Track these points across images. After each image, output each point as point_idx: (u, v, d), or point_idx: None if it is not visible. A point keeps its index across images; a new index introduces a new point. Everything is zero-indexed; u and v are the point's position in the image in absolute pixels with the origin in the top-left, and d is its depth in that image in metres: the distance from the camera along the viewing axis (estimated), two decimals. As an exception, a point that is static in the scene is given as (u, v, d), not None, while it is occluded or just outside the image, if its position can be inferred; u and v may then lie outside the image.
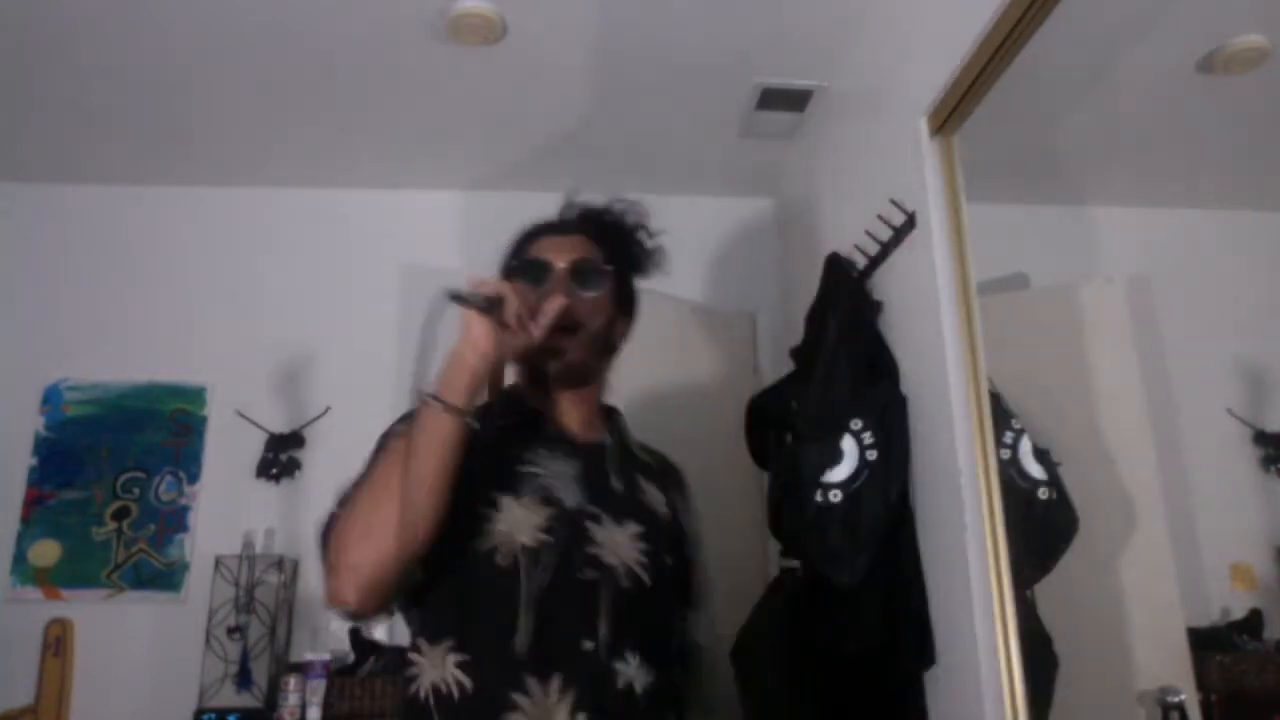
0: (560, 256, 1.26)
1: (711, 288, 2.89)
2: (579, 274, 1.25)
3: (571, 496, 1.18)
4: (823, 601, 1.76)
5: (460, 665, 1.10)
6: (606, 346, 1.31)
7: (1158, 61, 1.64)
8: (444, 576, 1.13)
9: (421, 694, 1.11)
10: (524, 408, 1.28)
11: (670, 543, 1.26)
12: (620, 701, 1.10)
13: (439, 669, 1.11)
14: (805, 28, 2.18)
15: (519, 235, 1.35)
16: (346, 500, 1.12)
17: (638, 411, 1.47)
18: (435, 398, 1.08)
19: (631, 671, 1.12)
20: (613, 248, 1.32)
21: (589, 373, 1.28)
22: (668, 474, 1.37)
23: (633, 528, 1.20)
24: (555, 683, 1.08)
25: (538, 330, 1.15)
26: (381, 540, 1.04)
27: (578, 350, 1.24)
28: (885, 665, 1.72)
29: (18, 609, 2.57)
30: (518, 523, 1.14)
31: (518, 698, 1.07)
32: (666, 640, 1.24)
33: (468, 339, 1.12)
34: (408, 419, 1.14)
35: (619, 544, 1.17)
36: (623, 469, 1.27)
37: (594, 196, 1.39)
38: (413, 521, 1.04)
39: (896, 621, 1.70)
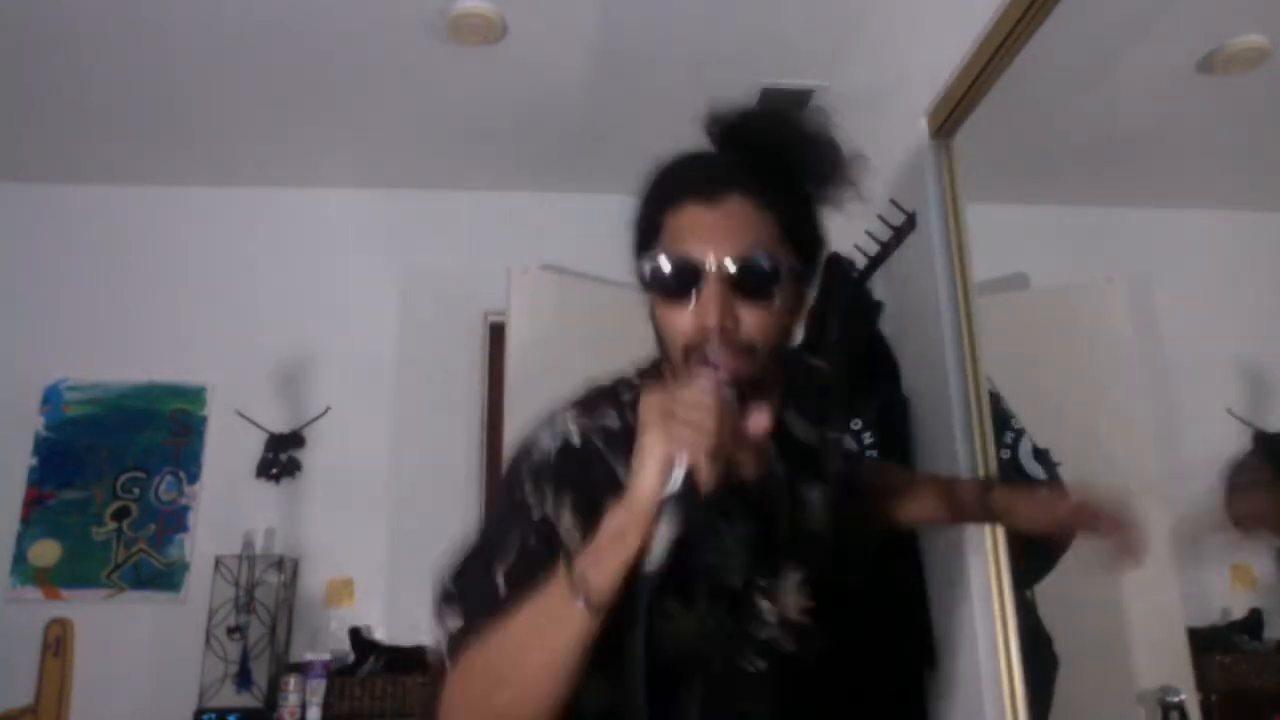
0: (711, 246, 0.85)
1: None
2: (745, 280, 0.85)
3: (739, 571, 0.91)
4: (823, 602, 1.76)
5: None
6: (787, 343, 0.96)
7: (1158, 61, 1.64)
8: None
9: None
10: None
11: (832, 546, 1.01)
12: None
13: None
14: (805, 28, 2.18)
15: (650, 191, 0.94)
16: (472, 634, 0.83)
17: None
18: (580, 583, 0.76)
19: None
20: (786, 193, 0.91)
21: (769, 392, 0.90)
22: (830, 420, 1.08)
23: (796, 575, 0.96)
24: None
25: (744, 445, 0.80)
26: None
27: (755, 382, 0.85)
28: (886, 665, 1.72)
29: (18, 609, 2.57)
30: (685, 627, 0.87)
31: None
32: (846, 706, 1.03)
33: (633, 504, 0.76)
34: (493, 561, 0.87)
35: (783, 604, 0.94)
36: (791, 494, 0.98)
37: (746, 100, 0.96)
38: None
39: (896, 621, 1.70)
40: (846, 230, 2.16)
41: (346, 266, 2.93)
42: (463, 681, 0.82)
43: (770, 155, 0.90)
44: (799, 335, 1.10)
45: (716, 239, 0.85)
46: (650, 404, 0.78)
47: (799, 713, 0.95)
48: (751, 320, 0.86)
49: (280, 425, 2.74)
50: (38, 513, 2.66)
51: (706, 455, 0.74)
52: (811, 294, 1.02)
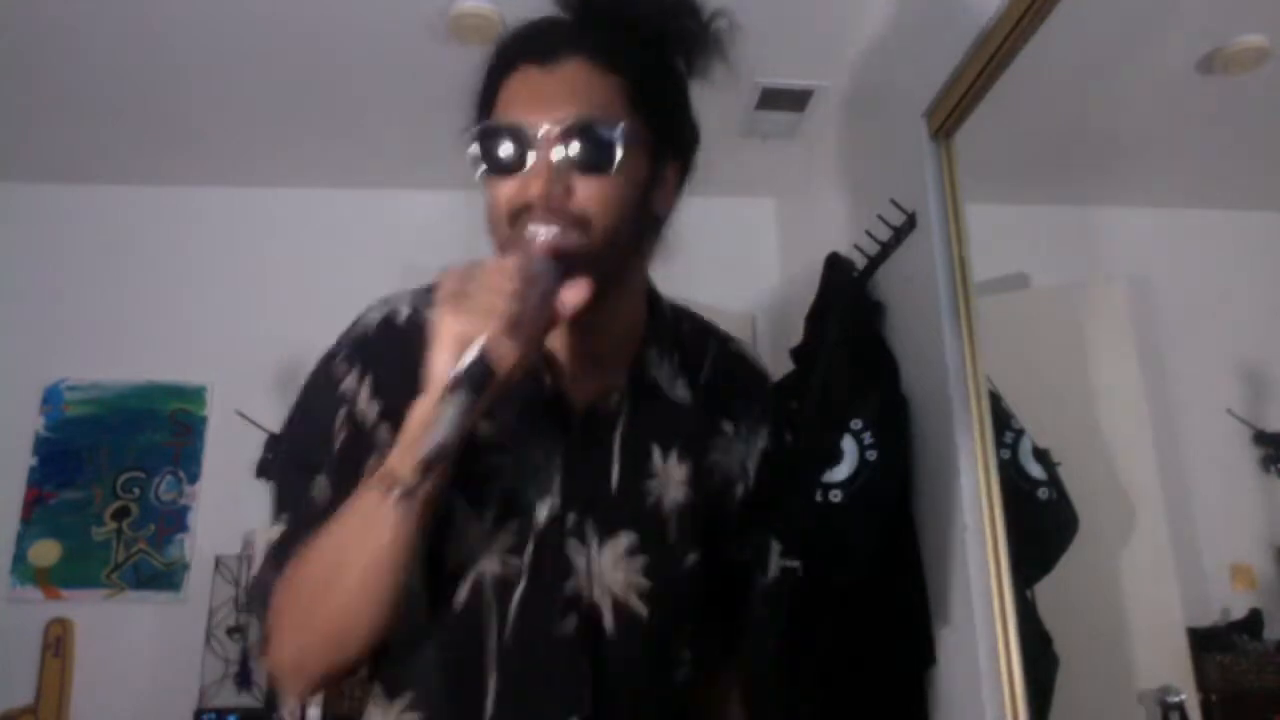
0: (542, 110, 0.78)
1: (711, 288, 2.88)
2: (580, 146, 0.77)
3: (547, 502, 0.82)
4: (823, 602, 1.76)
5: None
6: (640, 226, 0.84)
7: (1158, 61, 1.64)
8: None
9: None
10: None
11: (697, 527, 0.88)
12: None
13: None
14: (805, 28, 2.18)
15: (487, 65, 0.89)
16: (290, 543, 0.80)
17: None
18: (382, 476, 0.72)
19: None
20: (635, 56, 0.82)
21: (607, 282, 0.78)
22: (725, 398, 0.94)
23: (625, 540, 0.84)
24: None
25: (541, 329, 0.73)
26: (330, 642, 0.78)
27: (584, 262, 0.75)
28: (885, 665, 1.72)
29: (18, 609, 2.57)
30: (476, 543, 0.81)
31: None
32: (670, 676, 0.89)
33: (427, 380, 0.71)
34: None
35: (605, 570, 0.83)
36: (633, 443, 0.87)
37: None
38: (359, 632, 0.76)
39: (896, 621, 1.71)
40: (847, 230, 2.16)
41: (346, 266, 2.93)
42: (290, 594, 0.78)
43: (616, 14, 0.83)
44: (677, 201, 0.91)
45: (549, 103, 0.78)
46: (447, 277, 0.71)
47: (610, 694, 0.81)
48: (586, 191, 0.77)
49: (280, 425, 2.74)
50: (38, 513, 2.66)
51: (503, 330, 0.67)
52: (680, 178, 0.90)
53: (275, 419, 2.74)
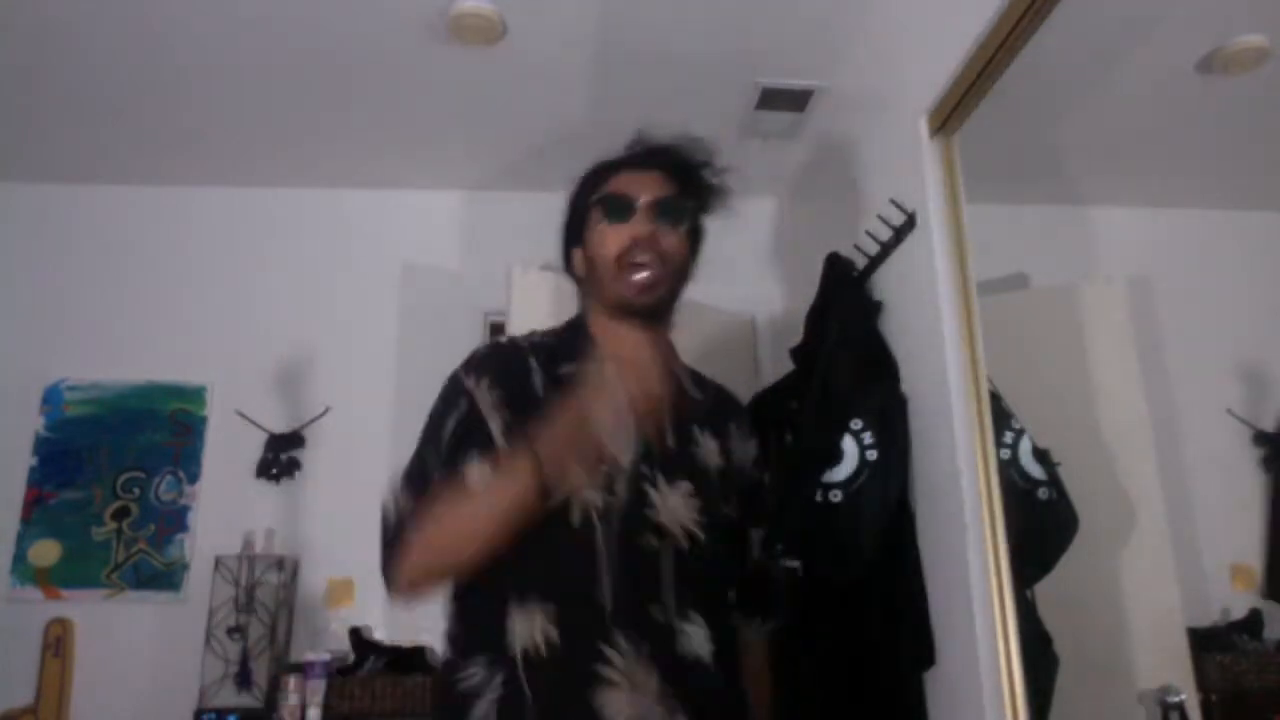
0: (642, 191, 1.27)
1: (711, 288, 2.87)
2: (663, 209, 1.26)
3: (626, 453, 1.14)
4: (823, 602, 1.76)
5: (550, 619, 1.11)
6: (683, 283, 1.32)
7: (1158, 61, 1.64)
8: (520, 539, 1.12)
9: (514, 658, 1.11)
10: (588, 348, 1.27)
11: (725, 492, 1.26)
12: (695, 669, 1.13)
13: (529, 627, 1.11)
14: (805, 28, 2.18)
15: (593, 170, 1.35)
16: (420, 485, 1.16)
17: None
18: (528, 455, 1.09)
19: (697, 639, 1.15)
20: (687, 183, 1.33)
21: (669, 310, 1.30)
22: (722, 408, 1.37)
23: (684, 486, 1.20)
24: (645, 647, 1.10)
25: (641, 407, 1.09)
26: (444, 565, 1.14)
27: (665, 284, 1.25)
28: (885, 665, 1.72)
29: (18, 609, 2.57)
30: (582, 479, 1.14)
31: (610, 652, 1.09)
32: (723, 596, 1.27)
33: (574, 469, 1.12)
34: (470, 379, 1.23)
35: (674, 507, 1.18)
36: (680, 420, 1.25)
37: (660, 134, 1.38)
38: (471, 561, 1.12)
39: (896, 621, 1.70)
40: (847, 230, 2.16)
41: (346, 266, 2.93)
42: (427, 535, 1.11)
43: (675, 158, 1.34)
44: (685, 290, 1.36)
45: (647, 187, 1.28)
46: (594, 394, 1.09)
47: (683, 595, 1.16)
48: (667, 240, 1.26)
49: (280, 425, 2.75)
50: (38, 513, 2.66)
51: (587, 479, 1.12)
52: (694, 267, 1.36)
53: (275, 419, 2.75)
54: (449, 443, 1.18)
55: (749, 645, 1.34)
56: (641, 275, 1.24)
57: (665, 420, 1.21)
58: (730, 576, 1.31)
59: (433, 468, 1.17)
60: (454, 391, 1.23)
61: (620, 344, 1.23)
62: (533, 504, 1.07)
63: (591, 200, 1.30)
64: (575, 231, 1.33)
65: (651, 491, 1.18)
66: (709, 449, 1.27)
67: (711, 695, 1.14)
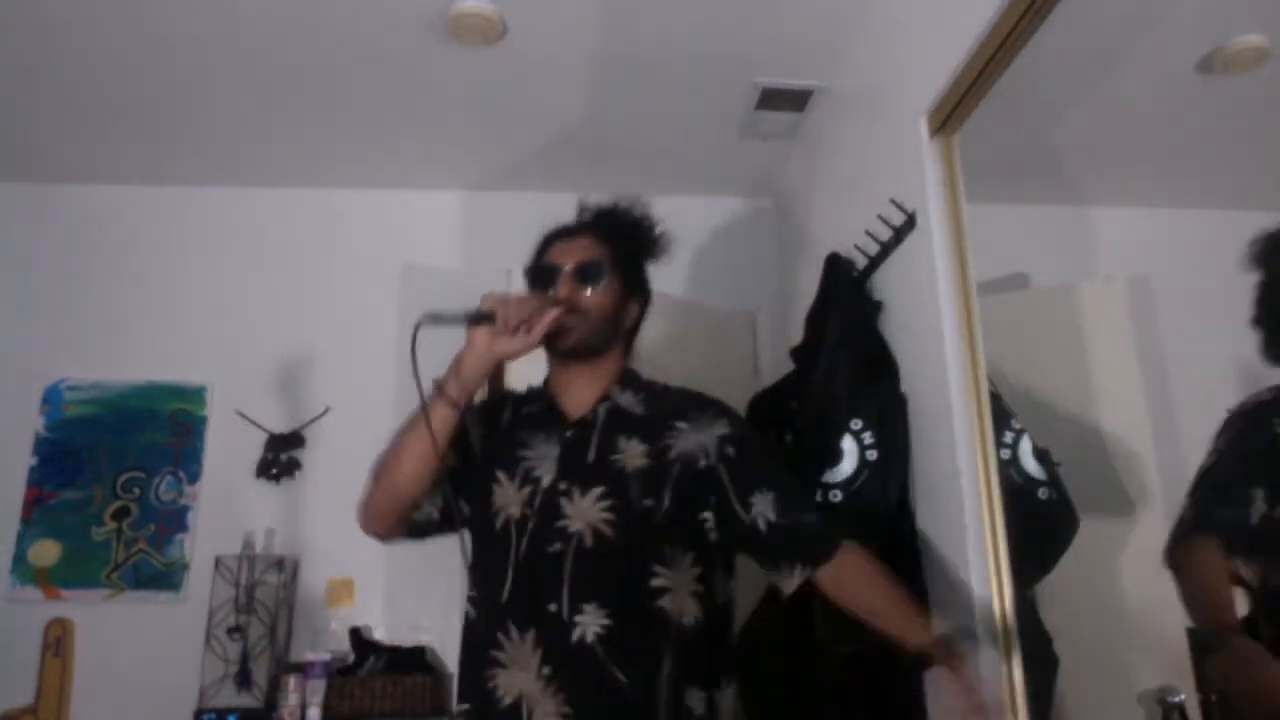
0: (568, 259, 1.49)
1: (711, 288, 2.89)
2: (582, 273, 1.48)
3: (548, 474, 1.41)
4: (823, 602, 1.76)
5: (472, 602, 1.43)
6: (615, 326, 1.52)
7: (1158, 61, 1.64)
8: (472, 531, 1.46)
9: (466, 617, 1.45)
10: (541, 394, 1.55)
11: (653, 484, 1.39)
12: (578, 653, 1.31)
13: (469, 611, 1.44)
14: (805, 28, 2.18)
15: (538, 243, 1.57)
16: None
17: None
18: (438, 388, 1.39)
19: (587, 622, 1.32)
20: (618, 242, 1.53)
21: (594, 349, 1.48)
22: (677, 412, 1.49)
23: (597, 491, 1.38)
24: (530, 635, 1.33)
25: (534, 335, 1.39)
26: (386, 487, 1.44)
27: (581, 331, 1.45)
28: (885, 665, 1.72)
29: (18, 609, 2.57)
30: (509, 497, 1.42)
31: (502, 639, 1.35)
32: (644, 579, 1.37)
33: (469, 344, 1.41)
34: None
35: (584, 510, 1.37)
36: (605, 436, 1.44)
37: (601, 198, 1.59)
38: (397, 483, 1.43)
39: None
40: (847, 230, 2.16)
41: (346, 266, 2.93)
42: (377, 463, 1.46)
43: (608, 221, 1.56)
44: (641, 319, 1.59)
45: (570, 253, 1.50)
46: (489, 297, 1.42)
47: (581, 589, 1.34)
48: (586, 298, 1.47)
49: (280, 425, 2.75)
50: (38, 513, 2.66)
51: (507, 309, 1.38)
52: (640, 311, 1.57)
53: (275, 419, 2.75)
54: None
55: (819, 578, 1.41)
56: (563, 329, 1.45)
57: (589, 438, 1.44)
58: (654, 556, 1.39)
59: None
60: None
61: (562, 378, 1.52)
62: (442, 410, 1.38)
63: (529, 270, 1.55)
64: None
65: (565, 503, 1.38)
66: (632, 453, 1.42)
67: (590, 675, 1.30)
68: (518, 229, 2.98)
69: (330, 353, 2.82)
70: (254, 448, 2.72)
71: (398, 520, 1.47)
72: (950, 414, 1.62)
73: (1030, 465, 1.61)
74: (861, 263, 2.02)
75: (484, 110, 2.54)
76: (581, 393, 1.49)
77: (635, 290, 1.56)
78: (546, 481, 1.41)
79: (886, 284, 1.97)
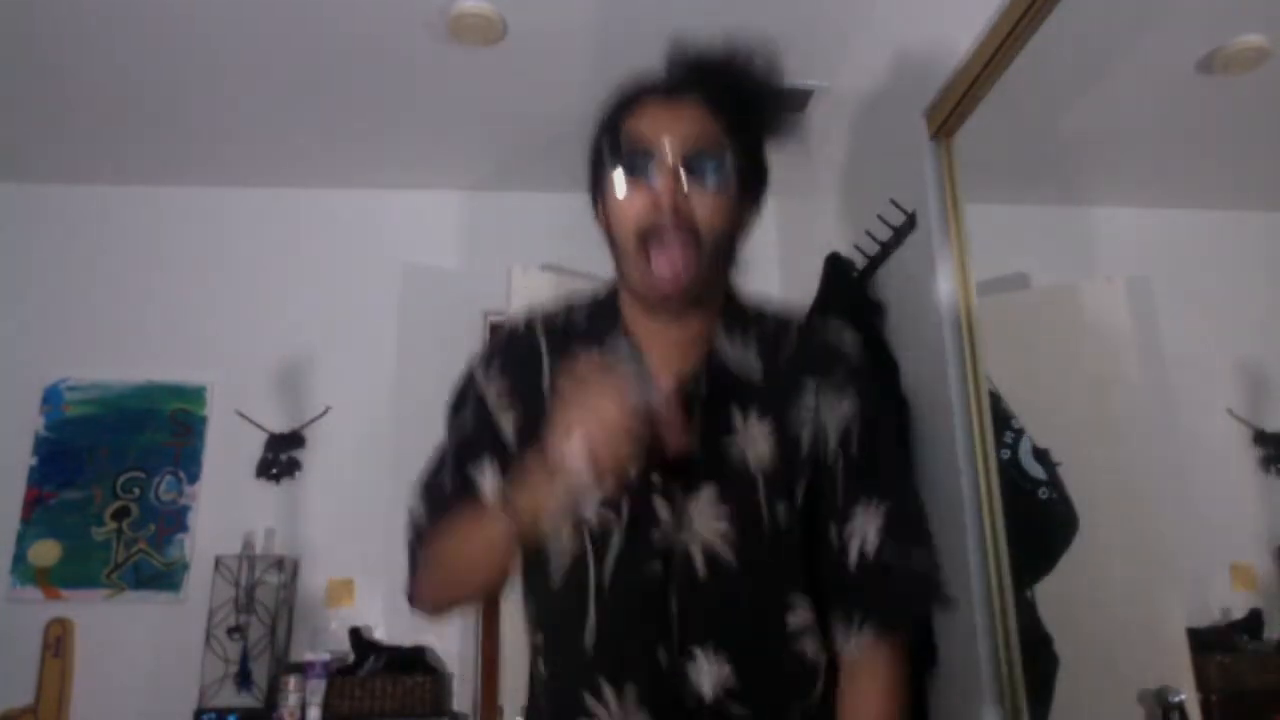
0: (668, 136, 0.96)
1: (711, 288, 2.89)
2: (695, 164, 0.96)
3: (634, 464, 0.92)
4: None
5: (540, 654, 1.04)
6: (730, 250, 1.04)
7: (1158, 61, 1.64)
8: (526, 554, 1.02)
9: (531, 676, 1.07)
10: (610, 334, 1.05)
11: (785, 480, 1.00)
12: (691, 715, 0.95)
13: (532, 654, 1.06)
14: (805, 28, 2.18)
15: (615, 100, 1.05)
16: (430, 512, 1.08)
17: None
18: (525, 520, 0.92)
19: (706, 679, 0.95)
20: (738, 113, 1.02)
21: (703, 297, 1.01)
22: (802, 365, 1.06)
23: (709, 493, 0.98)
24: (630, 692, 0.95)
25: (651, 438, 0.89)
26: (457, 594, 1.11)
27: (696, 269, 0.96)
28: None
29: (18, 609, 2.57)
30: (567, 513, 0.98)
31: (590, 701, 0.96)
32: (779, 616, 1.00)
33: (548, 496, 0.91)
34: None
35: (692, 518, 0.97)
36: (714, 409, 1.01)
37: (710, 35, 1.09)
38: (473, 589, 1.10)
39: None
40: (847, 230, 2.16)
41: (346, 266, 2.93)
42: (434, 561, 1.05)
43: (722, 72, 1.04)
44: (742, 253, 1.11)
45: (672, 129, 0.97)
46: (582, 383, 0.88)
47: (694, 629, 0.96)
48: (702, 205, 0.96)
49: (280, 425, 2.75)
50: (38, 513, 2.66)
51: (606, 475, 0.85)
52: (757, 213, 1.10)
53: (275, 419, 2.75)
54: (459, 448, 1.08)
55: (851, 665, 1.01)
56: (664, 264, 0.96)
57: (690, 416, 0.99)
58: (793, 583, 1.02)
59: (445, 475, 1.08)
60: (464, 387, 1.11)
61: (647, 326, 1.03)
62: (530, 535, 0.94)
63: (603, 145, 1.03)
64: (597, 180, 1.06)
65: (661, 506, 0.97)
66: (754, 435, 0.99)
67: None
68: (518, 229, 3.00)
69: (330, 353, 2.83)
70: (254, 448, 2.72)
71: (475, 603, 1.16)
72: (950, 414, 1.62)
73: (1030, 465, 1.61)
74: (861, 263, 2.03)
75: (484, 110, 2.54)
76: (676, 344, 1.03)
77: (757, 183, 1.08)
78: (633, 473, 0.94)
79: (886, 284, 1.97)
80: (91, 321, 2.83)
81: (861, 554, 1.01)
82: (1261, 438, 1.62)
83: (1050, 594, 1.57)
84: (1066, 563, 1.59)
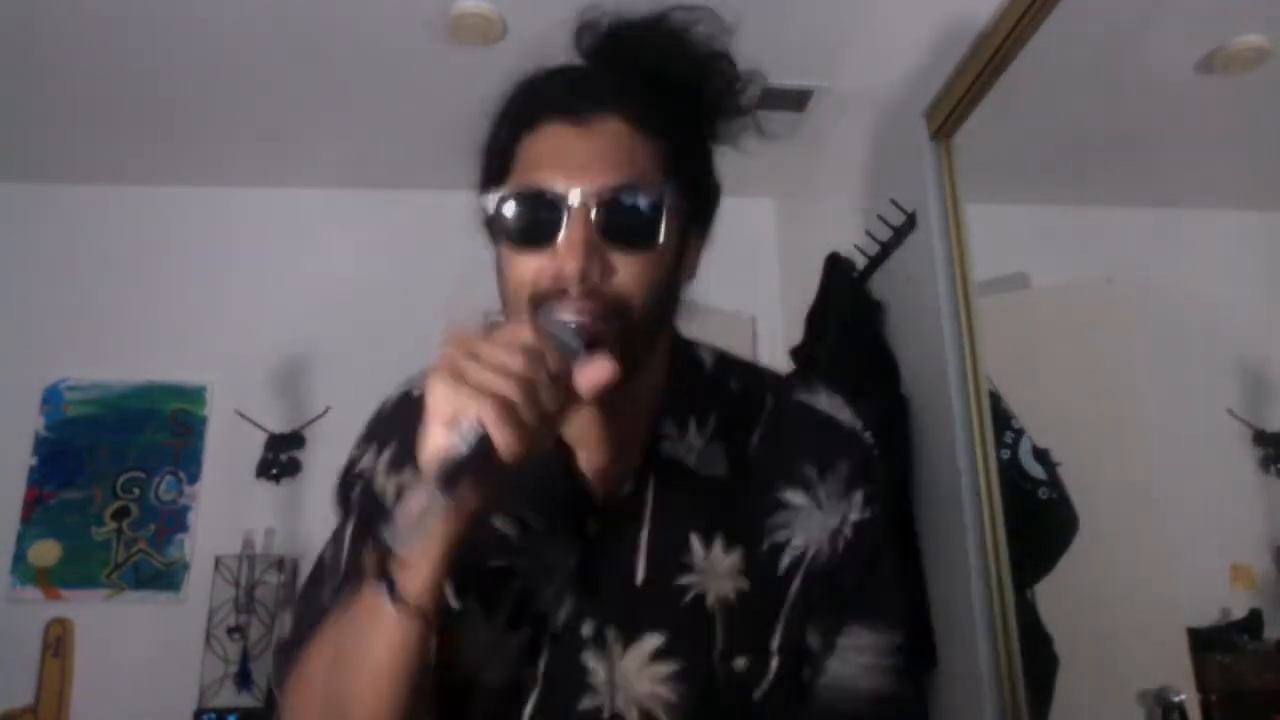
0: (575, 176, 0.69)
1: (711, 288, 2.88)
2: (615, 211, 0.68)
3: (562, 607, 0.75)
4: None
5: None
6: (674, 301, 0.78)
7: (1158, 61, 1.64)
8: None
9: None
10: None
11: (754, 625, 0.76)
12: None
13: None
14: (805, 28, 2.18)
15: (503, 116, 0.80)
16: (297, 646, 0.79)
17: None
18: (390, 589, 0.65)
19: None
20: (674, 118, 0.74)
21: (637, 365, 0.71)
22: (785, 465, 0.80)
23: (652, 642, 0.74)
24: None
25: (569, 403, 0.65)
26: None
27: (615, 348, 0.67)
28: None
29: (18, 609, 2.57)
30: (487, 649, 0.75)
31: None
32: None
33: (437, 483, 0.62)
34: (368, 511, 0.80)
35: (631, 676, 0.74)
36: (661, 531, 0.76)
37: (634, 5, 0.78)
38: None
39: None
40: (847, 230, 2.16)
41: (346, 266, 2.93)
42: (304, 693, 0.76)
43: (654, 71, 0.74)
44: (689, 316, 0.84)
45: (584, 168, 0.69)
46: (451, 340, 0.62)
47: None
48: (626, 271, 0.69)
49: (280, 425, 2.74)
50: (38, 513, 2.66)
51: (499, 416, 0.58)
52: (702, 249, 0.83)
53: (275, 419, 2.75)
54: (345, 562, 0.81)
55: None
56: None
57: (635, 540, 0.76)
58: None
59: (328, 576, 0.82)
60: (345, 481, 0.90)
61: (571, 415, 0.71)
62: (387, 622, 0.65)
63: (491, 171, 0.79)
64: (492, 234, 0.79)
65: (594, 663, 0.74)
66: (715, 570, 0.76)
67: None
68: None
69: (330, 353, 2.82)
70: (254, 448, 2.72)
71: None
72: (950, 414, 1.62)
73: (1030, 465, 1.61)
74: (861, 263, 2.02)
75: (484, 110, 2.53)
76: (607, 436, 0.77)
77: (702, 210, 0.81)
78: (561, 620, 0.75)
79: (886, 284, 1.97)
80: (91, 321, 2.83)
81: (844, 694, 0.78)
82: (1261, 438, 1.62)
83: (1050, 594, 1.57)
84: (1066, 563, 1.59)
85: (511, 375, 0.60)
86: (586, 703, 0.74)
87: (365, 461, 0.85)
